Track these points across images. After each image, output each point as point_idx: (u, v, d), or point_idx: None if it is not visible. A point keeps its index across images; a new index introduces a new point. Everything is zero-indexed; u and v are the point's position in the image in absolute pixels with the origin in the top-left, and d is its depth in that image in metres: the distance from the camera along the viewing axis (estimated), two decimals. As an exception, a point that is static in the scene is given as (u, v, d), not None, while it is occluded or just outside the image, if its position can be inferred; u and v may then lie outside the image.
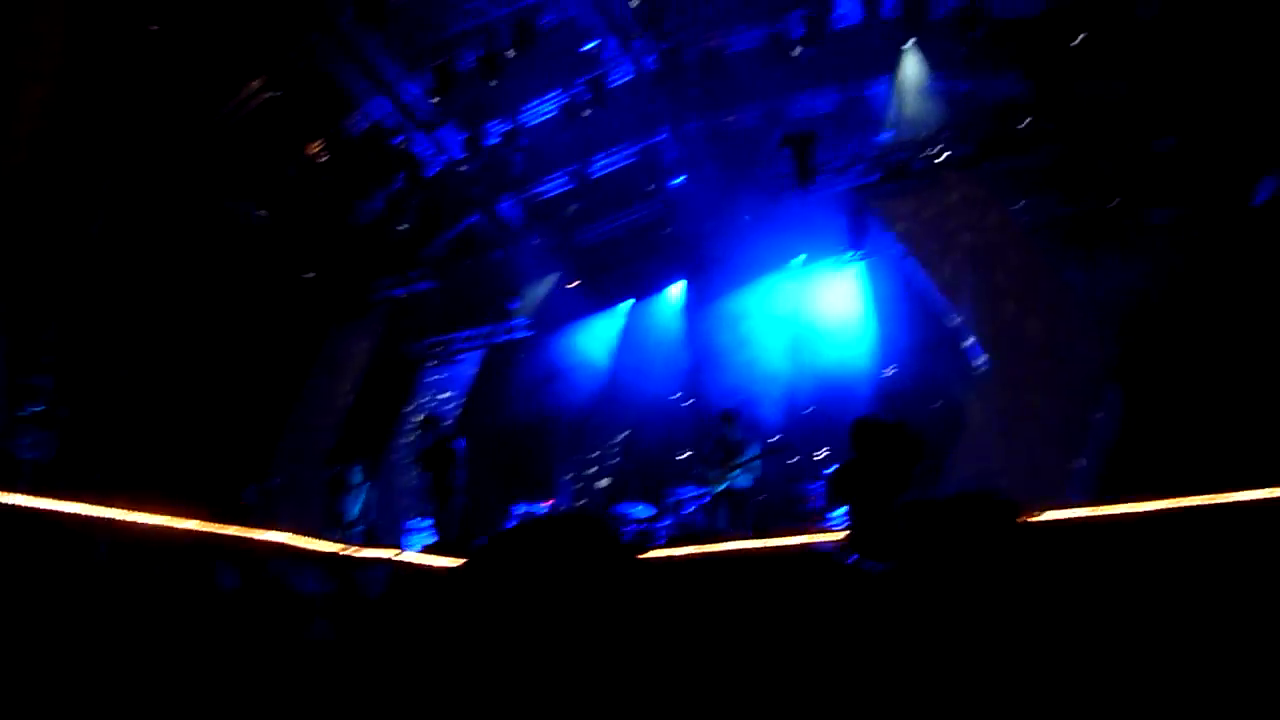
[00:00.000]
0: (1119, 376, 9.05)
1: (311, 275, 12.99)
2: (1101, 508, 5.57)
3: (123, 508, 4.68)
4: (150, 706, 4.00)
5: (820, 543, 6.80)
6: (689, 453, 12.61)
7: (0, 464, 8.76)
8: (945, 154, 10.70)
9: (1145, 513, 5.30)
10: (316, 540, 6.13)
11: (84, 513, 4.37)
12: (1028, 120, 10.37)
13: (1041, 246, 10.19)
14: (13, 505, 4.04)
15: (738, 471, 9.38)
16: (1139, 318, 9.42)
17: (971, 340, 10.03)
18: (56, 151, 9.23)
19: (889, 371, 12.33)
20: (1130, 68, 9.70)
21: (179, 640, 4.59)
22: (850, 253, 12.47)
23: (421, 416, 11.36)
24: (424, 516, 10.82)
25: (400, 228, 13.14)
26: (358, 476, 10.22)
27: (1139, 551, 4.82)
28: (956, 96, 10.98)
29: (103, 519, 4.46)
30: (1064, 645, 1.26)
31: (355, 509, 10.04)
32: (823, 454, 9.63)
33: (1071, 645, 1.27)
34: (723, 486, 9.37)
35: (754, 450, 9.41)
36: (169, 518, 4.97)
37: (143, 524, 4.69)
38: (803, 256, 13.17)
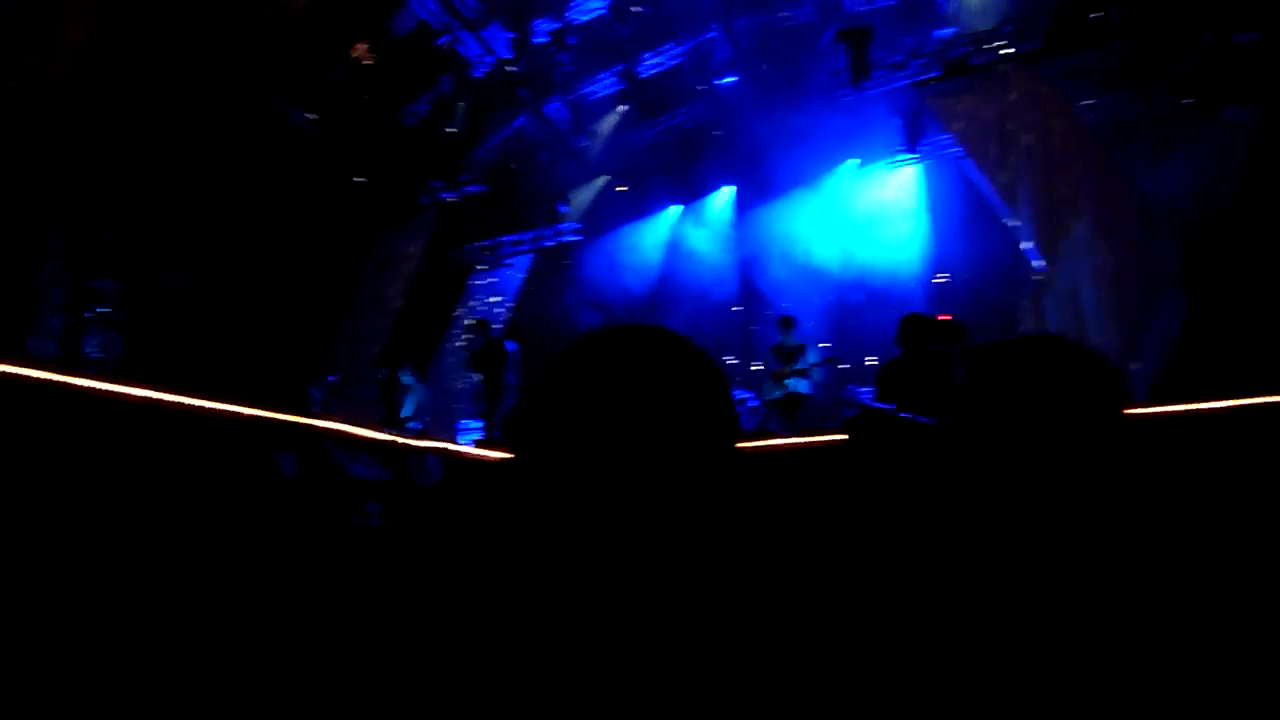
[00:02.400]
0: (1184, 282, 8.76)
1: (361, 179, 13.02)
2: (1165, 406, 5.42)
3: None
4: (205, 590, 4.19)
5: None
6: (734, 358, 12.62)
7: (71, 363, 9.04)
8: (1008, 49, 10.24)
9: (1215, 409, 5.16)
10: (374, 430, 6.27)
11: (150, 395, 4.51)
12: (1097, 12, 9.83)
13: (1107, 147, 9.77)
14: (78, 386, 4.17)
15: (796, 377, 9.28)
16: (1209, 222, 9.06)
17: (1029, 244, 9.76)
18: (109, 56, 9.27)
19: (942, 278, 12.11)
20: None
21: (239, 524, 4.78)
22: (905, 154, 12.14)
23: (472, 320, 11.46)
24: (476, 418, 11.01)
25: (448, 131, 13.03)
26: (409, 378, 10.41)
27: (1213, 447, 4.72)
28: (1023, -13, 10.44)
29: (168, 401, 4.60)
30: (1146, 538, 1.15)
31: (409, 409, 10.26)
32: (874, 360, 9.50)
33: (1156, 538, 1.16)
34: (778, 394, 9.29)
35: (812, 355, 9.30)
36: (231, 405, 5.12)
37: (206, 408, 4.84)
38: (856, 160, 12.86)
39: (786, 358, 9.36)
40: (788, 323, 9.64)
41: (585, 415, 0.77)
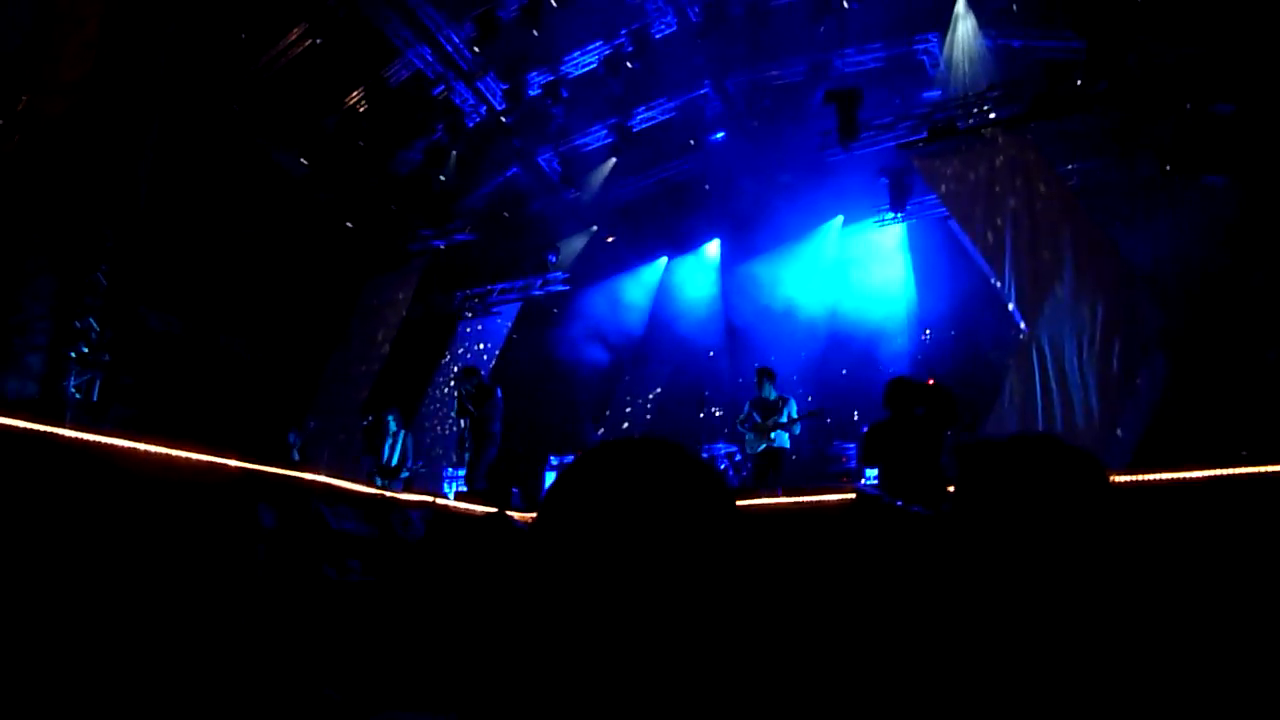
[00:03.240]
0: (1167, 346, 8.85)
1: (351, 225, 13.06)
2: (1151, 473, 5.45)
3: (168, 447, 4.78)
4: (189, 639, 4.11)
5: (867, 486, 6.71)
6: (720, 410, 12.63)
7: (51, 402, 8.94)
8: (994, 113, 10.45)
9: (1188, 479, 5.19)
10: (358, 483, 6.22)
11: (133, 446, 4.46)
12: (1080, 80, 10.06)
13: (1091, 211, 9.93)
14: (62, 437, 4.12)
15: (778, 430, 9.20)
16: (1190, 286, 9.19)
17: (1013, 306, 9.87)
18: (103, 97, 9.30)
19: (926, 335, 12.21)
20: (1189, 27, 9.35)
21: (220, 575, 4.71)
22: (890, 214, 12.30)
23: (460, 366, 11.43)
24: (458, 466, 10.93)
25: (440, 179, 13.13)
26: (394, 424, 10.35)
27: (1188, 516, 4.75)
28: (1008, 54, 10.67)
29: (150, 453, 4.55)
30: (1136, 602, 1.21)
31: (395, 456, 10.18)
32: (857, 414, 9.50)
33: (1145, 603, 1.21)
34: (761, 447, 9.20)
35: (792, 409, 9.25)
36: (215, 455, 5.06)
37: (189, 459, 4.78)
38: (840, 217, 13.02)
39: (766, 412, 9.28)
40: (766, 374, 9.56)
41: (606, 495, 0.92)
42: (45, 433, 4.06)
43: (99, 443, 4.28)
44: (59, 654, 3.33)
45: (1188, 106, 9.24)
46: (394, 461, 10.14)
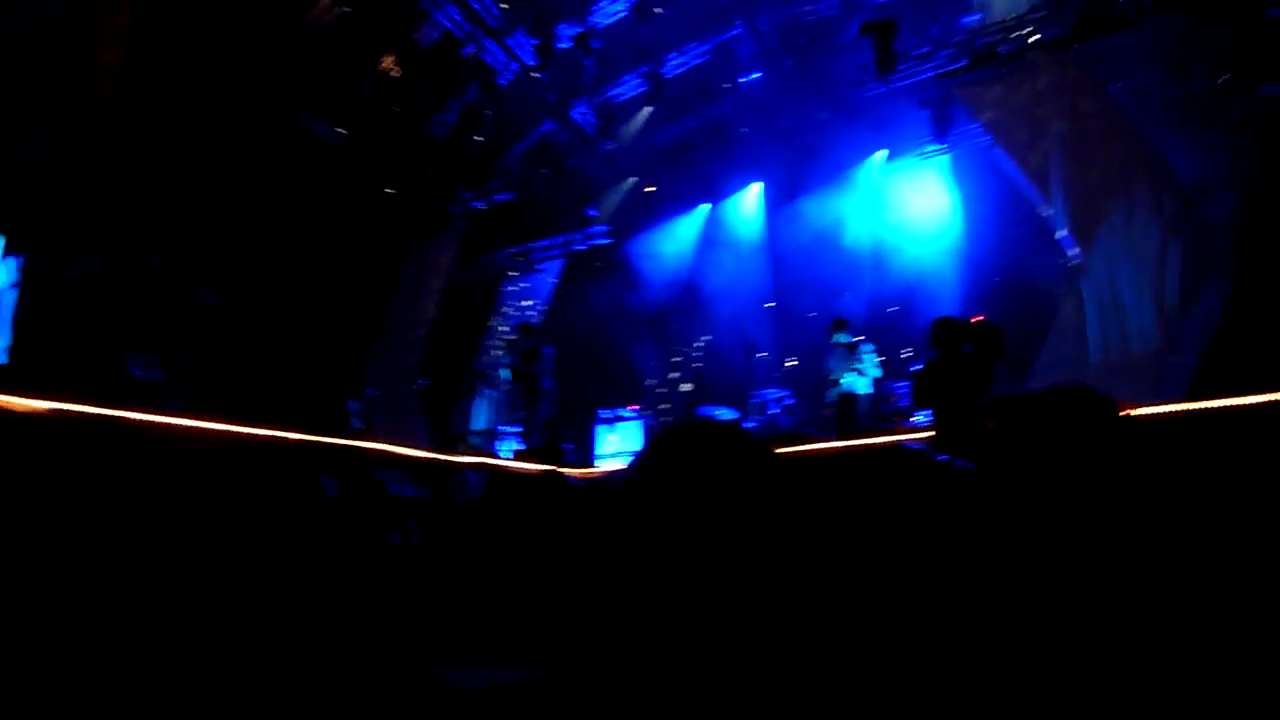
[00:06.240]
0: (1224, 268, 8.58)
1: (391, 191, 13.16)
2: (1202, 402, 5.36)
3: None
4: (258, 609, 4.30)
5: (909, 441, 6.72)
6: (767, 354, 12.61)
7: (117, 383, 9.23)
8: (1036, 35, 10.10)
9: (1250, 405, 5.07)
10: (413, 448, 6.37)
11: (199, 426, 4.63)
12: (1128, -7, 9.65)
13: (1141, 131, 9.59)
14: (130, 420, 4.29)
15: (853, 374, 9.37)
16: (1249, 204, 8.87)
17: (1064, 233, 9.63)
18: (143, 80, 9.45)
19: (972, 272, 12.02)
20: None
21: (290, 547, 4.89)
22: (934, 145, 12.03)
23: (516, 324, 11.56)
24: (512, 423, 11.10)
25: (476, 139, 13.12)
26: (485, 386, 10.51)
27: (1243, 446, 4.64)
28: (1050, -29, 10.26)
29: (216, 431, 4.72)
30: (1167, 544, 1.22)
31: (481, 419, 10.36)
32: (908, 352, 9.47)
33: (1175, 544, 1.22)
34: (837, 393, 9.37)
35: (868, 355, 9.37)
36: (275, 430, 5.23)
37: (254, 435, 4.95)
38: (883, 152, 12.77)
39: (841, 359, 9.41)
40: (840, 324, 9.67)
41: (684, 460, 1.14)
42: (111, 416, 4.23)
43: (164, 424, 4.45)
44: (139, 628, 3.51)
45: (1241, 14, 8.83)
46: (485, 423, 10.33)
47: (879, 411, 10.15)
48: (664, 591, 1.00)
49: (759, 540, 1.01)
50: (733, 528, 1.01)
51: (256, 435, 5.05)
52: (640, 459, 1.11)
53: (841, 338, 9.44)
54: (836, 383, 9.32)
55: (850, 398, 9.24)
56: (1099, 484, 1.27)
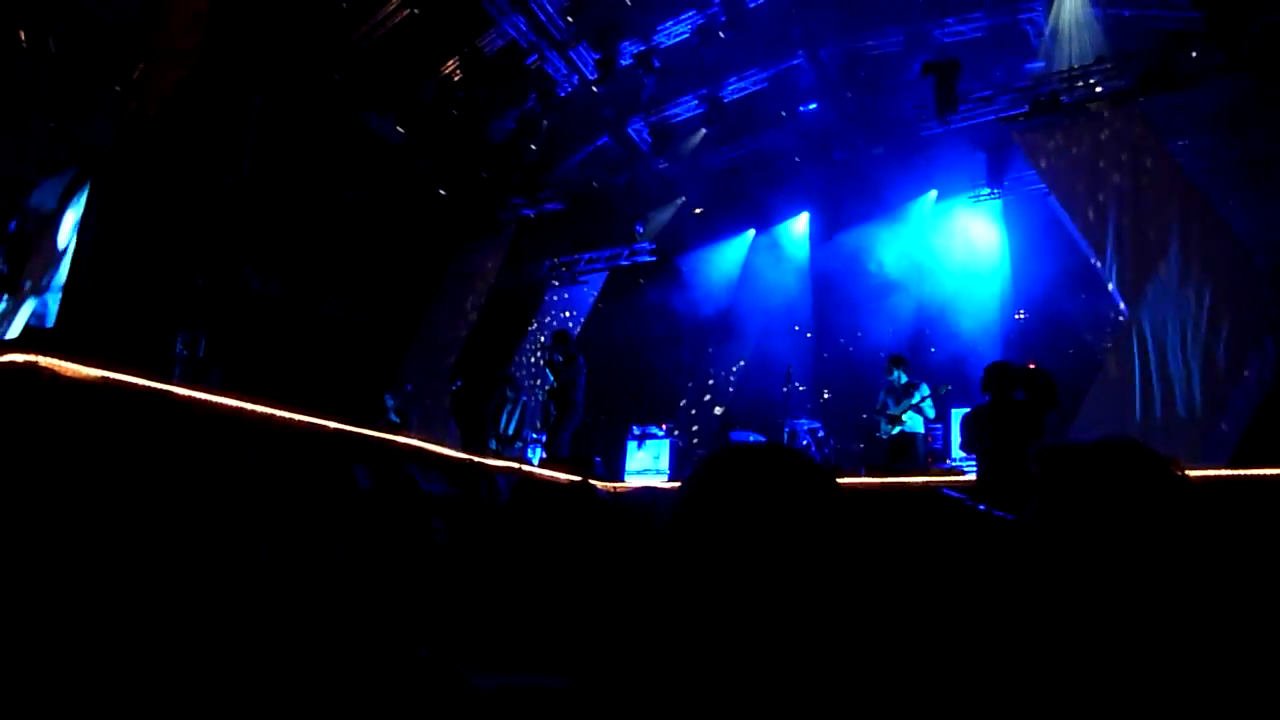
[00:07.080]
0: (1278, 333, 8.47)
1: (445, 193, 13.32)
2: (1248, 469, 5.28)
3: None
4: (287, 593, 4.35)
5: (948, 488, 6.66)
6: (804, 385, 12.57)
7: (162, 356, 9.36)
8: (1100, 86, 10.06)
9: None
10: (446, 447, 6.41)
11: (242, 406, 4.69)
12: (1194, 53, 9.59)
13: (1201, 189, 9.50)
14: (177, 394, 4.37)
15: (911, 411, 9.22)
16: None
17: (1114, 286, 9.55)
18: (212, 66, 9.64)
19: (1020, 315, 11.92)
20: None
21: (318, 531, 4.95)
22: (987, 190, 11.99)
23: (552, 331, 11.62)
24: (541, 432, 11.14)
25: (531, 148, 13.26)
26: (510, 393, 10.57)
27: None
28: (1117, 24, 10.16)
29: (258, 412, 4.78)
30: (1221, 611, 1.20)
31: (512, 425, 10.41)
32: (945, 389, 9.32)
33: (1230, 612, 1.20)
34: (896, 430, 9.24)
35: (924, 392, 9.23)
36: (315, 417, 5.29)
37: (292, 419, 5.01)
38: (934, 192, 12.73)
39: (899, 398, 9.27)
40: (898, 361, 9.53)
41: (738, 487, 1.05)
42: (158, 389, 4.29)
43: (209, 400, 4.51)
44: (177, 607, 3.56)
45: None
46: (510, 430, 10.37)
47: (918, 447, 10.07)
48: (716, 619, 1.00)
49: (819, 577, 1.01)
50: (796, 563, 1.01)
51: (296, 420, 5.10)
52: (696, 480, 1.09)
53: (900, 376, 9.33)
54: (896, 419, 9.18)
55: (910, 437, 9.10)
56: (1150, 543, 1.26)
